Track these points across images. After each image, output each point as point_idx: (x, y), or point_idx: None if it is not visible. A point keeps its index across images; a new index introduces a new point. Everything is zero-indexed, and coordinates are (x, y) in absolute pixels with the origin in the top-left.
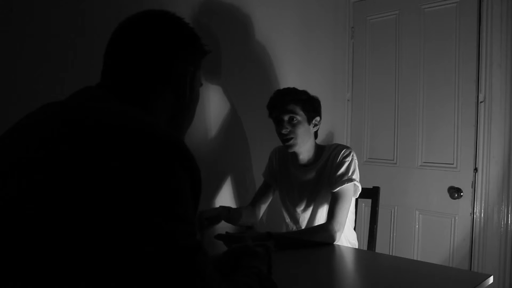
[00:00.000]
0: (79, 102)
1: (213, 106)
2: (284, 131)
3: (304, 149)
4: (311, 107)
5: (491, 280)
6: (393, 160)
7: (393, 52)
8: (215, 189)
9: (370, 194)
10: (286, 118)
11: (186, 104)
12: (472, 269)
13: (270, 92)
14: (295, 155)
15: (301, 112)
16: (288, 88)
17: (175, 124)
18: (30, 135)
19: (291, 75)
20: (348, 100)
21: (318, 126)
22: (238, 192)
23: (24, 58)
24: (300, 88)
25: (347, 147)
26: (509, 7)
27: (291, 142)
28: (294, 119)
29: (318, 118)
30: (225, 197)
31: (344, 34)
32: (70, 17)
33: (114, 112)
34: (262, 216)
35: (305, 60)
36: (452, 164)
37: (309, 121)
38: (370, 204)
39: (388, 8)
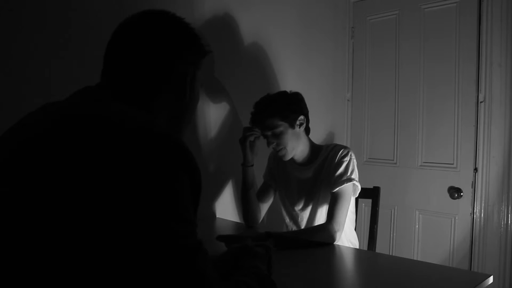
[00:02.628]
0: (78, 102)
1: (214, 106)
2: (271, 146)
3: (298, 151)
4: (289, 111)
5: (491, 280)
6: (393, 160)
7: (393, 52)
8: (216, 189)
9: (370, 194)
10: (269, 133)
11: (186, 104)
12: (472, 269)
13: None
14: None
15: (280, 122)
16: (262, 100)
17: (175, 124)
18: (28, 134)
19: (291, 75)
20: (348, 100)
21: (304, 124)
22: (238, 192)
23: (24, 58)
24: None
25: (345, 147)
26: (509, 7)
27: (281, 153)
28: (276, 131)
29: (301, 117)
30: (226, 197)
31: (344, 34)
32: (71, 16)
33: (114, 111)
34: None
35: (305, 60)
36: (452, 164)
37: (292, 125)
38: (370, 204)
39: (388, 8)
